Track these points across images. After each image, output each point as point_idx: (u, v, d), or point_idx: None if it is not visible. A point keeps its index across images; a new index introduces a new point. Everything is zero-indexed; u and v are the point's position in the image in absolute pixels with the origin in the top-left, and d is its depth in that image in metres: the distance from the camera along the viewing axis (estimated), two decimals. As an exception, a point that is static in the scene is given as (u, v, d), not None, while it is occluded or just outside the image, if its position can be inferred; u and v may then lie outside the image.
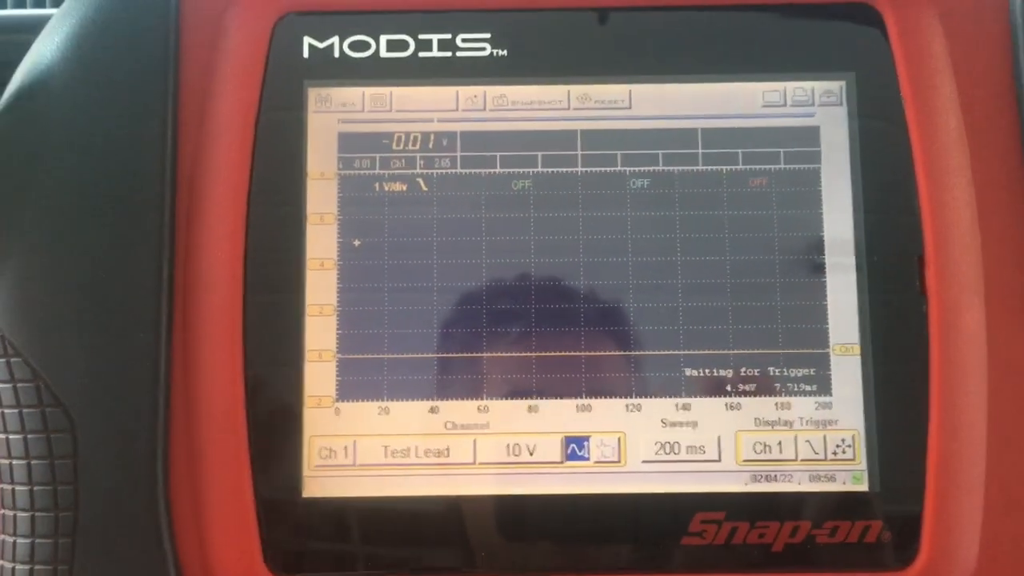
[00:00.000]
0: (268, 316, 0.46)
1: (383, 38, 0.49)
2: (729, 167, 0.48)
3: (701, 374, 0.47)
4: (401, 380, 0.47)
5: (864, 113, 0.48)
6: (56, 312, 0.45)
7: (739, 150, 0.48)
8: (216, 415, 0.45)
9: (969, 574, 0.44)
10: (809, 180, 0.48)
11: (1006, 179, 0.47)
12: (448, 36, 0.49)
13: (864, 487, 0.45)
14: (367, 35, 0.48)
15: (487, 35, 0.49)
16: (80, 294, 0.45)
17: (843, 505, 0.45)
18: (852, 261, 0.47)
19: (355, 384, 0.47)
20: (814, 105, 0.48)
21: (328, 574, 0.45)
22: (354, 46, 0.48)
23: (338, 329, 0.47)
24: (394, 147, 0.48)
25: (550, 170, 0.48)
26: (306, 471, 0.46)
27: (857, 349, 0.46)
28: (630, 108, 0.49)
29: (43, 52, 0.47)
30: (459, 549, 0.46)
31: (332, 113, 0.48)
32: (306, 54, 0.48)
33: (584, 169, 0.48)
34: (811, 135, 0.48)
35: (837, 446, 0.46)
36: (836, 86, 0.48)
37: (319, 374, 0.47)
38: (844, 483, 0.45)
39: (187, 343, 0.46)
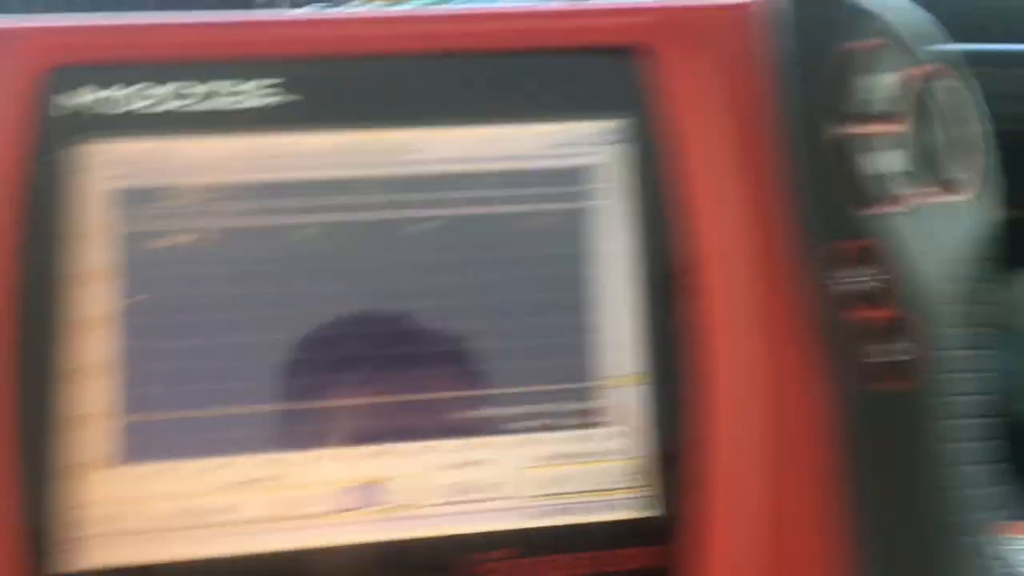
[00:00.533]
0: (41, 385, 0.45)
1: (161, 89, 0.48)
2: (509, 208, 0.49)
3: (491, 413, 0.47)
4: (190, 438, 0.46)
5: (639, 152, 0.50)
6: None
7: (518, 191, 0.50)
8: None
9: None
10: (583, 217, 0.49)
11: (779, 212, 0.49)
12: (229, 84, 0.49)
13: (654, 512, 0.46)
14: (143, 86, 0.48)
15: (278, 81, 0.49)
16: None
17: (633, 532, 0.46)
18: (626, 295, 0.48)
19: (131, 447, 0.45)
20: (589, 145, 0.50)
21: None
22: (128, 98, 0.48)
23: (119, 389, 0.46)
24: (176, 201, 0.48)
25: (339, 217, 0.48)
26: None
27: (635, 379, 0.47)
28: (416, 153, 0.50)
29: None
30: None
31: (108, 168, 0.47)
32: (76, 109, 0.47)
33: (371, 215, 0.49)
34: (586, 174, 0.50)
35: (625, 475, 0.47)
36: (611, 126, 0.50)
37: (95, 436, 0.45)
38: (634, 511, 0.46)
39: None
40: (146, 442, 0.45)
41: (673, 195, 0.49)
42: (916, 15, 0.51)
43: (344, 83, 0.49)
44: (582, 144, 0.50)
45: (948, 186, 0.49)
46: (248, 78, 0.48)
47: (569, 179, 0.50)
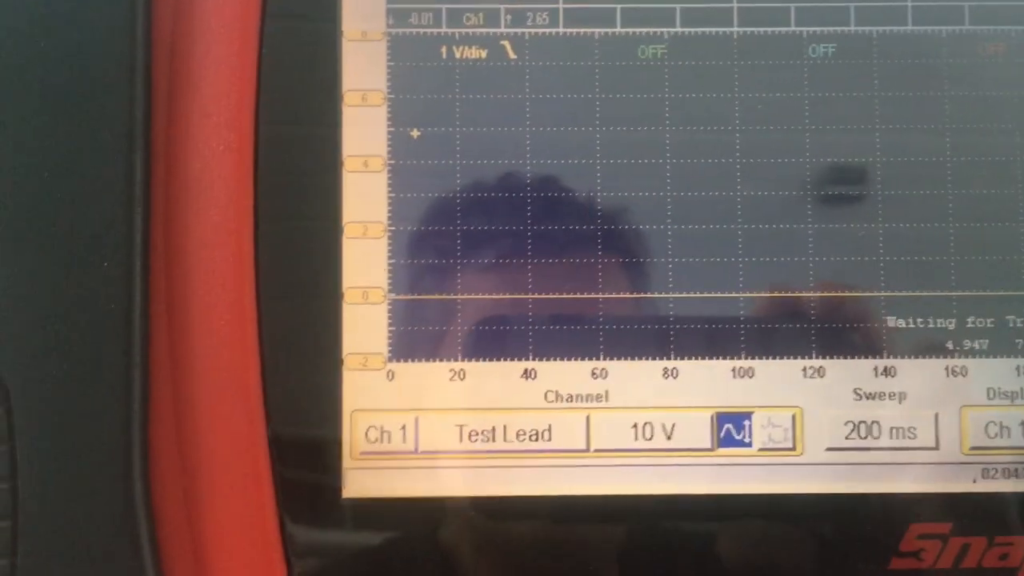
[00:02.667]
0: (289, 240, 0.32)
1: None
2: (951, 28, 0.33)
3: (910, 324, 0.33)
4: (482, 331, 0.32)
5: None
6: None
7: (966, 3, 0.34)
8: (217, 382, 0.31)
9: None
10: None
11: None
12: None
13: None
14: None
15: None
16: (21, 219, 0.30)
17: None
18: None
19: (416, 336, 0.32)
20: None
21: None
22: None
23: (390, 258, 0.32)
24: (469, -6, 0.33)
25: (693, 30, 0.33)
26: (347, 461, 0.32)
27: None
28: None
29: None
30: (570, 573, 0.32)
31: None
32: None
33: (742, 29, 0.33)
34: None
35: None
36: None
37: (363, 322, 0.32)
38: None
39: (172, 275, 0.31)
40: (425, 334, 0.32)
41: None
42: None
43: None
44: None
45: None
46: None
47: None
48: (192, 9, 0.32)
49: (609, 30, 0.33)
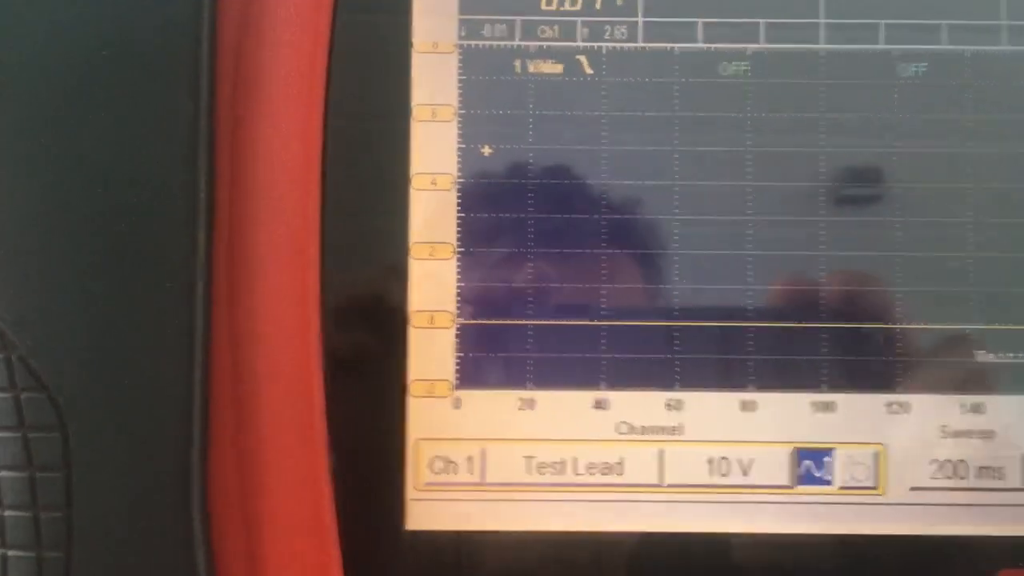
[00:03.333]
0: (355, 261, 0.31)
1: None
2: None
3: (1001, 359, 0.31)
4: (553, 359, 0.31)
5: None
6: (34, 253, 0.29)
7: (1063, 21, 0.32)
8: (279, 408, 0.30)
9: None
10: None
11: None
12: None
13: None
14: None
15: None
16: (81, 232, 0.29)
17: None
18: None
19: (484, 363, 0.31)
20: None
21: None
22: None
23: (459, 281, 0.31)
24: (543, 6, 0.32)
25: (778, 47, 0.32)
26: (411, 492, 0.31)
27: None
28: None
29: None
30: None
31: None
32: None
33: (829, 47, 0.32)
34: None
35: None
36: None
37: (430, 347, 0.31)
38: None
39: (235, 296, 0.30)
40: (494, 361, 0.31)
41: None
42: None
43: None
44: None
45: None
46: None
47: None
48: (261, 13, 0.30)
49: (690, 45, 0.32)
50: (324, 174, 0.30)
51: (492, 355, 0.31)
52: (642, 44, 0.32)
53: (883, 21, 0.32)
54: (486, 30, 0.32)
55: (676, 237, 0.31)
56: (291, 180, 0.30)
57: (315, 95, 0.30)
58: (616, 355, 0.31)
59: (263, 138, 0.30)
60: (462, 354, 0.31)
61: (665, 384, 0.31)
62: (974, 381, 0.31)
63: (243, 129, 0.30)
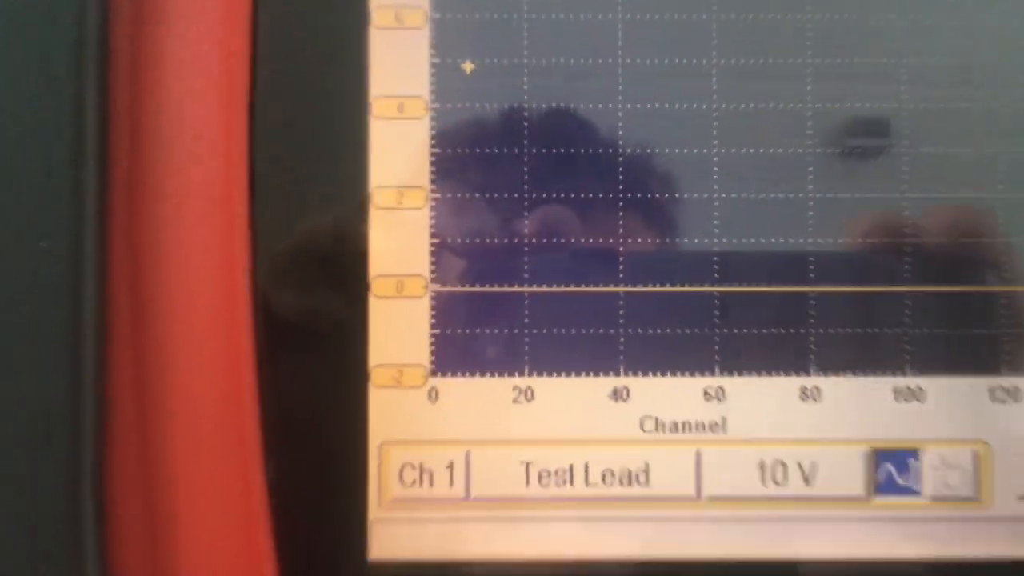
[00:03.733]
0: (294, 209, 0.23)
1: None
2: None
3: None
4: (558, 335, 0.24)
5: None
6: None
7: None
8: (197, 402, 0.22)
9: None
10: None
11: None
12: None
13: None
14: None
15: None
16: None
17: None
18: None
19: (468, 342, 0.24)
20: None
21: None
22: None
23: (433, 236, 0.24)
24: None
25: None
26: (374, 511, 0.24)
27: None
28: None
29: None
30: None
31: None
32: None
33: None
34: None
35: None
36: None
37: (397, 322, 0.24)
38: None
39: (138, 262, 0.23)
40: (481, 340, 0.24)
41: None
42: None
43: None
44: None
45: None
46: None
47: None
48: None
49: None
50: (253, 103, 0.23)
51: (478, 331, 0.24)
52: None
53: None
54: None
55: (715, 175, 0.24)
56: (209, 108, 0.23)
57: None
58: (639, 329, 0.24)
59: (169, 54, 0.23)
60: (439, 331, 0.24)
61: (703, 367, 0.24)
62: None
63: (144, 43, 0.23)
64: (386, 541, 0.23)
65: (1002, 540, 0.24)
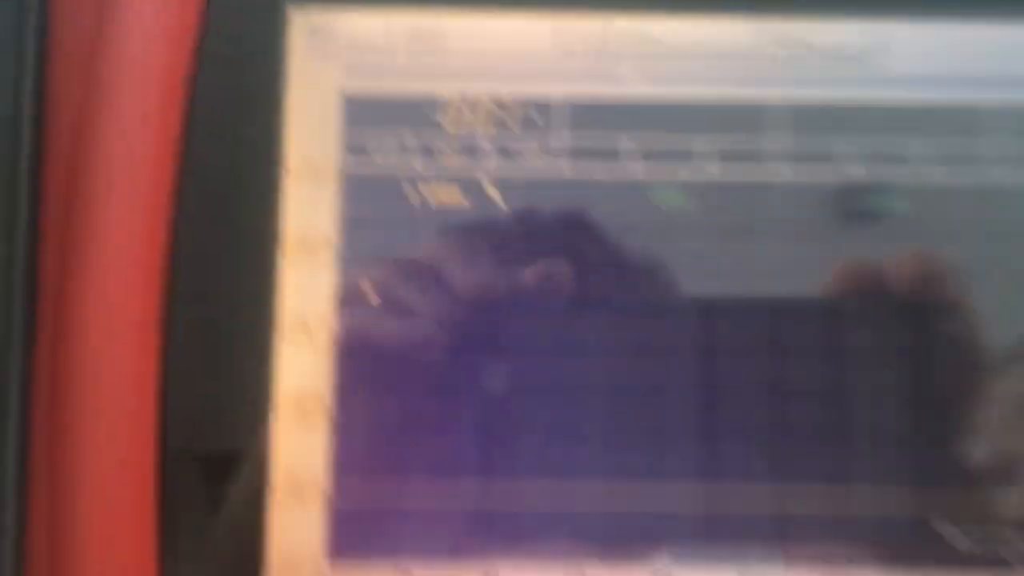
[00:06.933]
0: (203, 416, 0.27)
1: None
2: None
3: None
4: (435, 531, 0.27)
5: None
6: None
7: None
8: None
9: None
10: None
11: None
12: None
13: None
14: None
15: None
16: None
17: None
18: None
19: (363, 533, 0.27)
20: None
21: None
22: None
23: (336, 443, 0.27)
24: (445, 124, 0.27)
25: (725, 175, 0.27)
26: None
27: None
28: (874, 64, 0.27)
29: None
30: None
31: (332, 60, 0.27)
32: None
33: (788, 178, 0.27)
34: None
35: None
36: None
37: (298, 517, 0.27)
38: None
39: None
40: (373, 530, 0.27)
41: None
42: None
43: None
44: None
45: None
46: None
47: None
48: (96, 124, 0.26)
49: (615, 165, 0.27)
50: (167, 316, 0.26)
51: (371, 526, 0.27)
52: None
53: (844, 139, 0.26)
54: (374, 149, 0.27)
55: (603, 389, 0.27)
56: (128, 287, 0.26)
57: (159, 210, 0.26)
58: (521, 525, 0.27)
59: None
60: (337, 524, 0.27)
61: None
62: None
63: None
64: None
65: None
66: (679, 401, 0.26)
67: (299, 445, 0.27)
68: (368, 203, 0.27)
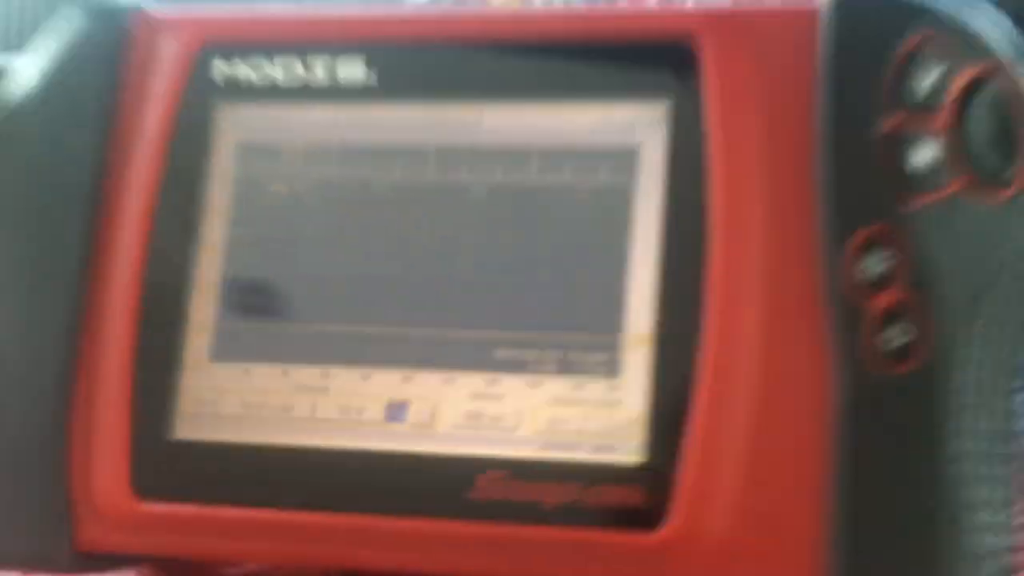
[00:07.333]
0: (163, 293, 0.57)
1: (280, 64, 0.59)
2: (557, 180, 0.56)
3: (509, 355, 0.53)
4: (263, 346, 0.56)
5: (678, 138, 0.54)
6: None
7: (565, 167, 0.56)
8: (111, 361, 0.55)
9: (719, 535, 0.48)
10: (626, 191, 0.55)
11: (804, 198, 0.51)
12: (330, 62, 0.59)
13: (635, 459, 0.51)
14: (267, 62, 0.59)
15: (362, 61, 0.59)
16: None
17: (612, 474, 0.51)
18: (652, 257, 0.53)
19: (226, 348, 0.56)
20: (635, 128, 0.55)
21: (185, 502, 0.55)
22: (259, 73, 0.59)
23: (218, 302, 0.57)
24: (283, 154, 0.59)
25: (406, 180, 0.57)
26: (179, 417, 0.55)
27: (648, 338, 0.52)
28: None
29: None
30: (298, 489, 0.54)
31: (235, 127, 0.59)
32: (218, 78, 0.59)
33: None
34: (630, 155, 0.55)
35: (620, 424, 0.52)
36: (656, 113, 0.55)
37: (199, 340, 0.56)
38: (619, 455, 0.51)
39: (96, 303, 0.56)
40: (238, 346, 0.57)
41: (704, 176, 0.53)
42: (979, 11, 0.51)
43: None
44: (629, 126, 0.55)
45: (988, 184, 0.49)
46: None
47: (620, 158, 0.55)
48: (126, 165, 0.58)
49: (357, 176, 0.58)
50: (150, 241, 0.57)
51: (231, 344, 0.56)
52: (335, 177, 0.58)
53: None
54: (253, 166, 0.59)
55: (336, 282, 0.56)
56: (129, 233, 0.57)
57: (150, 192, 0.58)
58: (295, 344, 0.56)
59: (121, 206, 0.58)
60: (215, 343, 0.57)
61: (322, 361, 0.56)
62: (492, 366, 0.53)
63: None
64: (183, 429, 0.56)
65: (441, 444, 0.53)
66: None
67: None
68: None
